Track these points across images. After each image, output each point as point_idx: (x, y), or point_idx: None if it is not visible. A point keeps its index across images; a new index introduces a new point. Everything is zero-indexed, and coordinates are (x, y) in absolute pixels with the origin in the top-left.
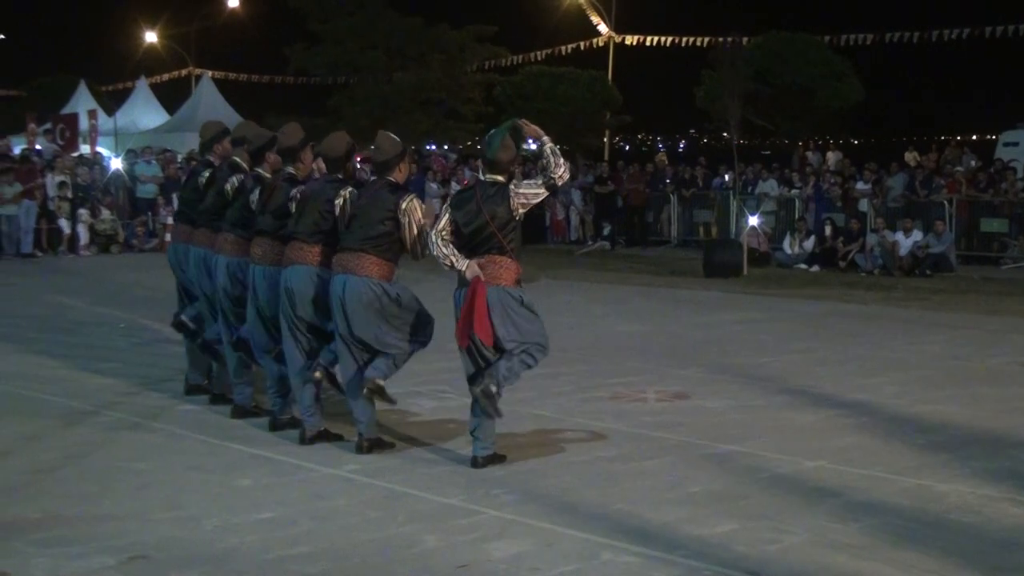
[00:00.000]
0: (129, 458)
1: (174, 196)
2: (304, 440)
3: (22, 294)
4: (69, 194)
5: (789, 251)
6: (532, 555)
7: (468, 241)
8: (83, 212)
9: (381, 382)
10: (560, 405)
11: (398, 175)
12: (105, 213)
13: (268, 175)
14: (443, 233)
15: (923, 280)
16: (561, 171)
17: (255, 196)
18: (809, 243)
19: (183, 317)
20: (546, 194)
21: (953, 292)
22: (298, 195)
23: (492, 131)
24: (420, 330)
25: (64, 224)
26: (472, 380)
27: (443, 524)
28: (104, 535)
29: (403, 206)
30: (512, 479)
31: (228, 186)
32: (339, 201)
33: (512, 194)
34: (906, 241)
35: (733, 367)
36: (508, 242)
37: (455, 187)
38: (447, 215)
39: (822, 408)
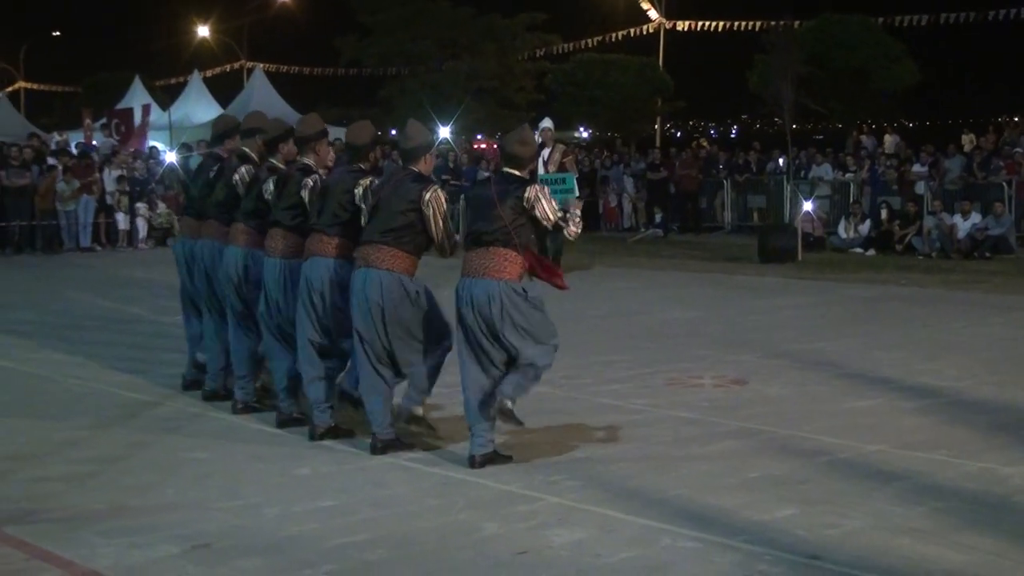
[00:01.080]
0: (190, 448)
1: None
2: (313, 436)
3: (82, 287)
4: (127, 188)
5: (844, 235)
6: (592, 541)
7: (476, 232)
8: (141, 206)
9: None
10: (617, 391)
11: (423, 166)
12: (161, 207)
13: (282, 166)
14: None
15: (982, 263)
16: (573, 230)
17: (269, 187)
18: (864, 227)
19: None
20: (548, 223)
21: (1013, 274)
22: (311, 183)
23: (520, 127)
24: (434, 341)
25: (121, 218)
26: (467, 387)
27: (502, 511)
28: (167, 524)
29: (426, 197)
30: (571, 466)
31: (237, 177)
32: (358, 191)
33: (528, 191)
34: (964, 224)
35: (790, 352)
36: (517, 236)
37: None
38: (463, 209)
39: (882, 392)
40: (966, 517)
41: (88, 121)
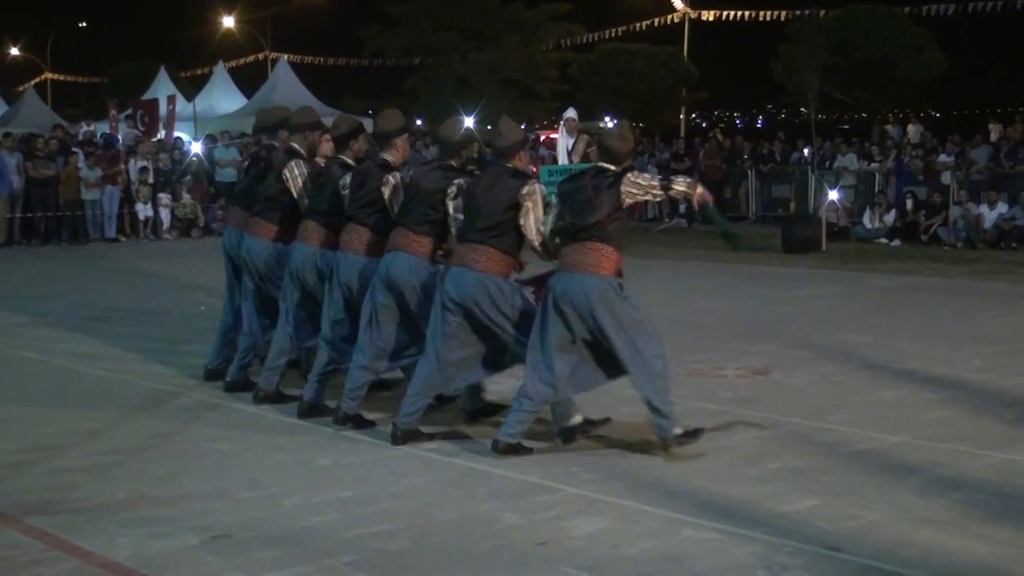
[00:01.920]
0: (210, 438)
1: None
2: (337, 419)
3: (107, 278)
4: (150, 179)
5: (869, 225)
6: (612, 532)
7: (572, 228)
8: (164, 197)
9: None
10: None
11: (518, 162)
12: (185, 197)
13: (352, 162)
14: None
15: (1009, 253)
16: (677, 188)
17: (346, 181)
18: (890, 217)
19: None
20: (652, 194)
21: None
22: (392, 181)
23: (620, 121)
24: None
25: (141, 208)
26: (536, 374)
27: (523, 502)
28: (187, 514)
29: (525, 190)
30: (591, 456)
31: (287, 173)
32: (451, 190)
33: (624, 182)
34: (991, 214)
35: (814, 343)
36: (613, 231)
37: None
38: (557, 207)
39: (906, 383)
40: (989, 509)
41: (114, 112)
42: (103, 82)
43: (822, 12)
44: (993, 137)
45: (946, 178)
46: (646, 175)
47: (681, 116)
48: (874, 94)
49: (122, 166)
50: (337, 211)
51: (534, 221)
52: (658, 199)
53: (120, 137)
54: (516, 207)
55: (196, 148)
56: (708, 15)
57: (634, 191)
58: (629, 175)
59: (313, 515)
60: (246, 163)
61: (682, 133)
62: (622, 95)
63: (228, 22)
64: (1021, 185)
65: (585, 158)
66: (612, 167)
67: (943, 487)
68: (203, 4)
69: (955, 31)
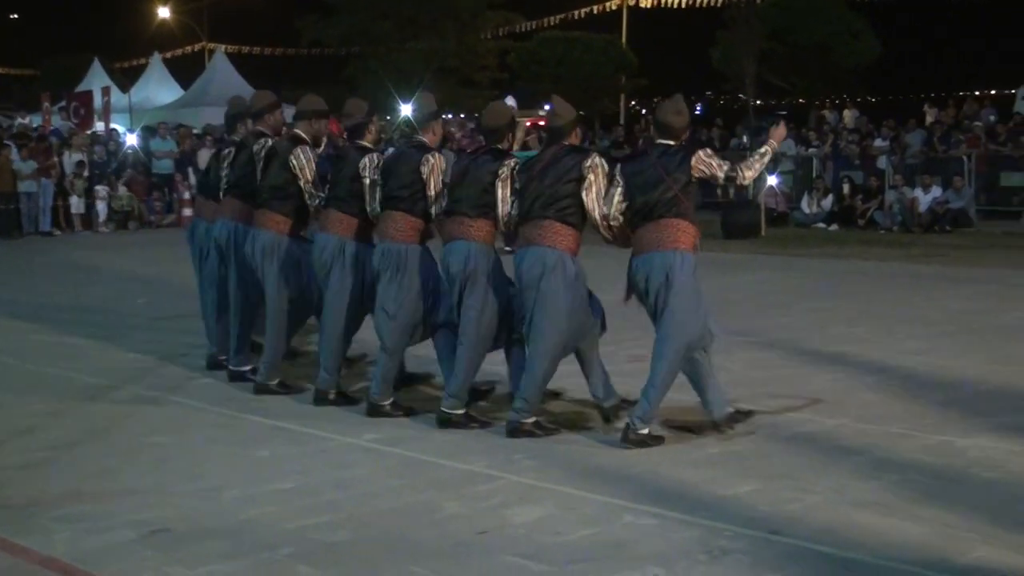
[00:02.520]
0: (149, 432)
1: (189, 170)
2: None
3: (41, 272)
4: (85, 172)
5: (807, 210)
6: (553, 519)
7: (645, 207)
8: (101, 189)
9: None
10: (578, 368)
11: (574, 139)
12: (122, 190)
13: (372, 147)
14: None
15: (943, 236)
16: (748, 174)
17: (365, 164)
18: (827, 202)
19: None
20: (719, 177)
21: (973, 248)
22: (431, 160)
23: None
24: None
25: (75, 202)
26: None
27: (463, 491)
28: (125, 509)
29: (587, 164)
30: (532, 444)
31: (294, 159)
32: (503, 172)
33: (696, 159)
34: (925, 197)
35: (752, 327)
36: (688, 206)
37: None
38: (618, 190)
39: (842, 366)
40: (925, 490)
41: (47, 105)
42: (36, 74)
43: None
44: (929, 121)
45: (882, 162)
46: (717, 158)
47: (621, 103)
48: (811, 80)
49: (56, 159)
50: (359, 197)
51: (595, 195)
52: (719, 183)
53: (59, 128)
54: (580, 181)
55: (132, 140)
56: (646, 2)
57: (703, 168)
58: (701, 152)
59: (253, 507)
60: (225, 152)
61: (622, 120)
62: (561, 83)
63: (164, 13)
64: (954, 169)
65: (525, 146)
66: (671, 142)
67: (879, 469)
68: None
69: (890, 16)
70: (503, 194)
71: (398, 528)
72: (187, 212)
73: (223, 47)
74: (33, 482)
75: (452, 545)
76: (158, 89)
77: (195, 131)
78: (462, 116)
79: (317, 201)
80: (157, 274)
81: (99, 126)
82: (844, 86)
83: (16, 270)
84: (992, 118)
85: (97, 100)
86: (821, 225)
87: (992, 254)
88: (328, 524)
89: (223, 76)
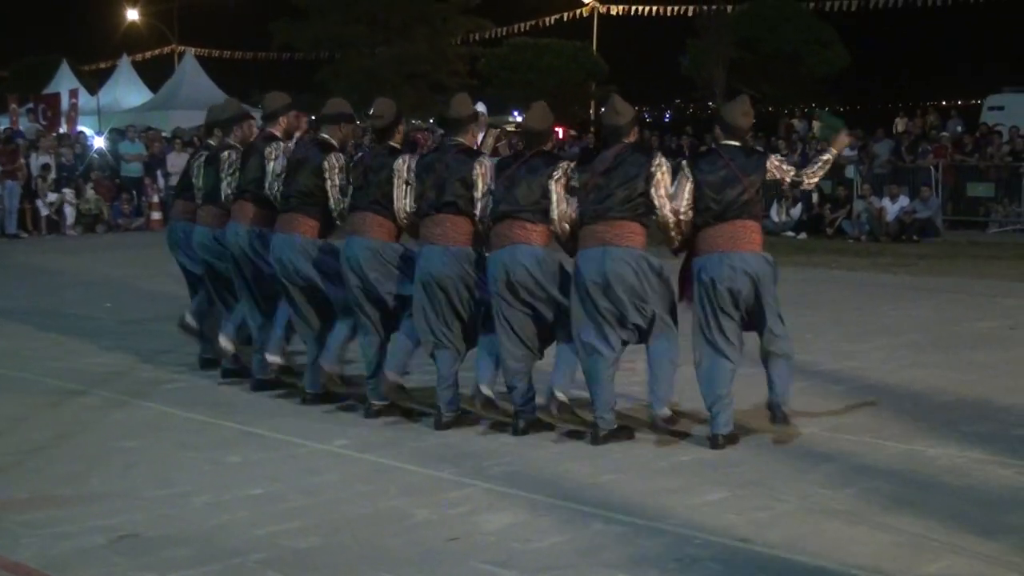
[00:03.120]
0: (118, 436)
1: (159, 174)
2: (518, 430)
3: (7, 275)
4: (53, 175)
5: (776, 219)
6: (523, 526)
7: (720, 208)
8: (68, 192)
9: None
10: (548, 377)
11: (634, 136)
12: (89, 193)
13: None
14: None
15: (910, 246)
16: (812, 180)
17: (401, 167)
18: (796, 210)
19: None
20: (787, 181)
21: (940, 257)
22: (488, 164)
23: (740, 97)
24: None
25: (41, 205)
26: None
27: (433, 497)
28: (94, 514)
29: (656, 161)
30: (502, 451)
31: (327, 164)
32: (557, 174)
33: (770, 162)
34: (893, 207)
35: None
36: (759, 209)
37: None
38: (688, 186)
39: (811, 375)
40: (894, 498)
41: (14, 106)
42: (3, 76)
43: (729, 7)
44: (899, 130)
45: (850, 172)
46: (787, 163)
47: (591, 110)
48: (780, 88)
49: (22, 161)
50: (390, 200)
51: (664, 192)
52: (784, 186)
53: (22, 130)
54: (649, 179)
55: (100, 143)
56: (616, 10)
57: (775, 172)
58: (774, 157)
59: (223, 513)
60: (201, 157)
61: (592, 128)
62: (531, 89)
63: (133, 15)
64: (922, 179)
65: (494, 152)
66: (736, 143)
67: (848, 477)
68: None
69: (859, 27)
70: (559, 194)
71: (368, 535)
72: (156, 216)
73: (193, 50)
74: None
75: (422, 552)
76: (127, 92)
77: (164, 134)
78: (431, 121)
79: (342, 207)
80: (124, 278)
81: (66, 128)
82: (813, 95)
83: None
84: (959, 128)
85: (65, 102)
86: (790, 234)
87: (959, 264)
88: (298, 530)
89: (193, 79)
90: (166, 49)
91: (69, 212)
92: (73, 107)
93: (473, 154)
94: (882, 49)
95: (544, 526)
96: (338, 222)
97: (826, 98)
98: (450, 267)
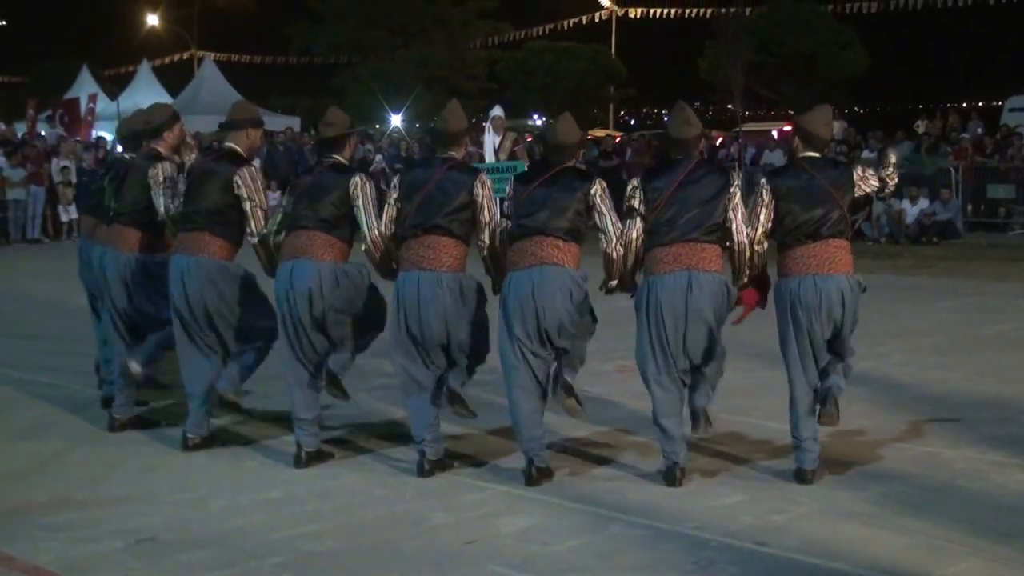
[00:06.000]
0: (136, 441)
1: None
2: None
3: (30, 279)
4: (72, 179)
5: None
6: (541, 529)
7: (811, 224)
8: None
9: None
10: None
11: (696, 149)
12: None
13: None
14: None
15: (930, 248)
16: (892, 184)
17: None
18: None
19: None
20: (873, 189)
21: (960, 259)
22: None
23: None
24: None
25: (62, 211)
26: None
27: (451, 500)
28: (112, 518)
29: (736, 180)
30: (519, 454)
31: (238, 179)
32: (595, 190)
33: (857, 174)
34: (912, 209)
35: (738, 339)
36: (848, 225)
37: None
38: (768, 204)
39: None
40: (911, 501)
41: (31, 112)
42: (24, 81)
43: (747, 9)
44: (921, 131)
45: None
46: (871, 169)
47: (610, 113)
48: (798, 90)
49: (46, 165)
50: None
51: (742, 215)
52: (868, 194)
53: (43, 135)
54: (727, 201)
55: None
56: (635, 13)
57: (861, 183)
58: (857, 168)
59: (240, 517)
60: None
61: (611, 130)
62: (550, 92)
63: (153, 20)
64: (942, 180)
65: (512, 156)
66: (817, 154)
67: (866, 480)
68: (127, 2)
69: (878, 28)
70: (611, 211)
71: (385, 538)
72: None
73: (212, 55)
74: (19, 491)
75: (439, 555)
76: (146, 97)
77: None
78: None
79: (375, 232)
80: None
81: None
82: (831, 97)
83: (7, 278)
84: (979, 130)
85: (84, 107)
86: None
87: (978, 266)
88: (314, 534)
89: (212, 84)
90: (185, 54)
91: None
92: (91, 111)
93: (469, 171)
94: (901, 51)
95: (562, 529)
96: (255, 244)
97: (844, 100)
98: (443, 294)
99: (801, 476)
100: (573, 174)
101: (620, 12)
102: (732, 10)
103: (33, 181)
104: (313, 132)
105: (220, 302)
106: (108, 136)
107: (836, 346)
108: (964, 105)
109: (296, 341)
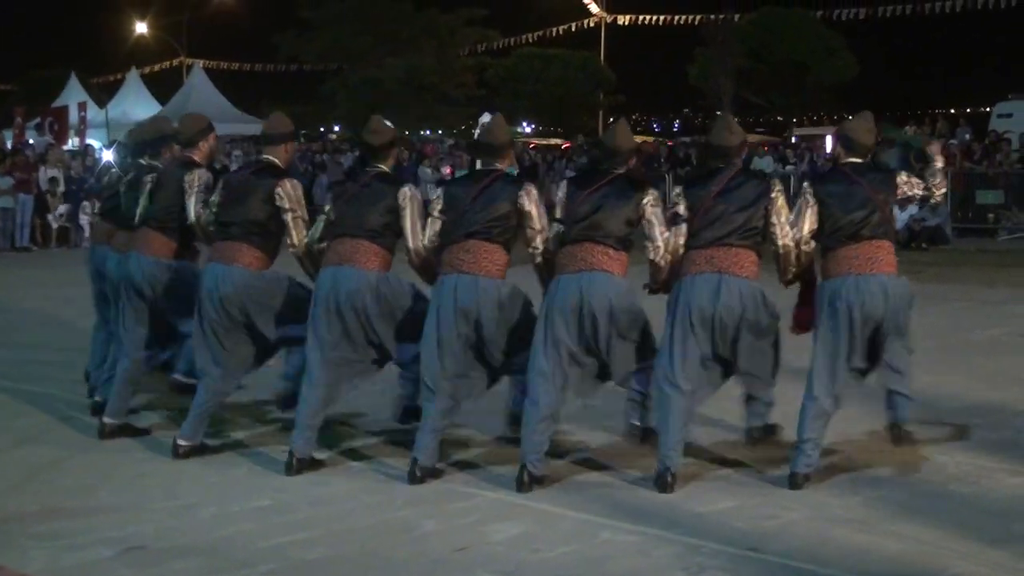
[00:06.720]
0: (126, 449)
1: None
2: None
3: (18, 288)
4: (61, 188)
5: None
6: (531, 536)
7: (852, 226)
8: (86, 204)
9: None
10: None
11: (738, 157)
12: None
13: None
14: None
15: (919, 253)
16: (941, 192)
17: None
18: None
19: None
20: (917, 195)
21: (949, 265)
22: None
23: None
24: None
25: (51, 219)
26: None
27: (441, 507)
28: (102, 526)
29: (777, 187)
30: (509, 460)
31: (280, 191)
32: (648, 199)
33: (899, 180)
34: (902, 214)
35: None
36: (893, 225)
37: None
38: (810, 212)
39: None
40: (902, 506)
41: (18, 120)
42: (12, 89)
43: (736, 16)
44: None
45: None
46: (915, 177)
47: (599, 120)
48: (788, 97)
49: (35, 173)
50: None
51: (785, 218)
52: (913, 201)
53: (31, 143)
54: (768, 206)
55: (108, 156)
56: (624, 19)
57: (905, 189)
58: (900, 175)
59: (230, 525)
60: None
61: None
62: (539, 99)
63: (141, 28)
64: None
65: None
66: (860, 160)
67: (857, 486)
68: (116, 9)
69: (866, 35)
70: (661, 221)
71: (375, 545)
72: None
73: (201, 62)
74: (8, 499)
75: (430, 562)
76: (135, 104)
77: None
78: (439, 132)
79: (419, 243)
80: None
81: (74, 142)
82: (821, 104)
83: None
84: (968, 136)
85: (74, 115)
86: None
87: (968, 271)
88: (305, 541)
89: (201, 91)
90: (175, 62)
91: (86, 224)
92: (82, 120)
93: (514, 181)
94: (890, 57)
95: (552, 536)
96: (298, 254)
97: (833, 106)
98: (483, 299)
99: (793, 480)
100: (627, 182)
101: (609, 19)
102: (721, 17)
103: (21, 189)
104: (303, 139)
105: (257, 309)
106: (96, 144)
107: (887, 350)
108: (952, 111)
109: (336, 345)
